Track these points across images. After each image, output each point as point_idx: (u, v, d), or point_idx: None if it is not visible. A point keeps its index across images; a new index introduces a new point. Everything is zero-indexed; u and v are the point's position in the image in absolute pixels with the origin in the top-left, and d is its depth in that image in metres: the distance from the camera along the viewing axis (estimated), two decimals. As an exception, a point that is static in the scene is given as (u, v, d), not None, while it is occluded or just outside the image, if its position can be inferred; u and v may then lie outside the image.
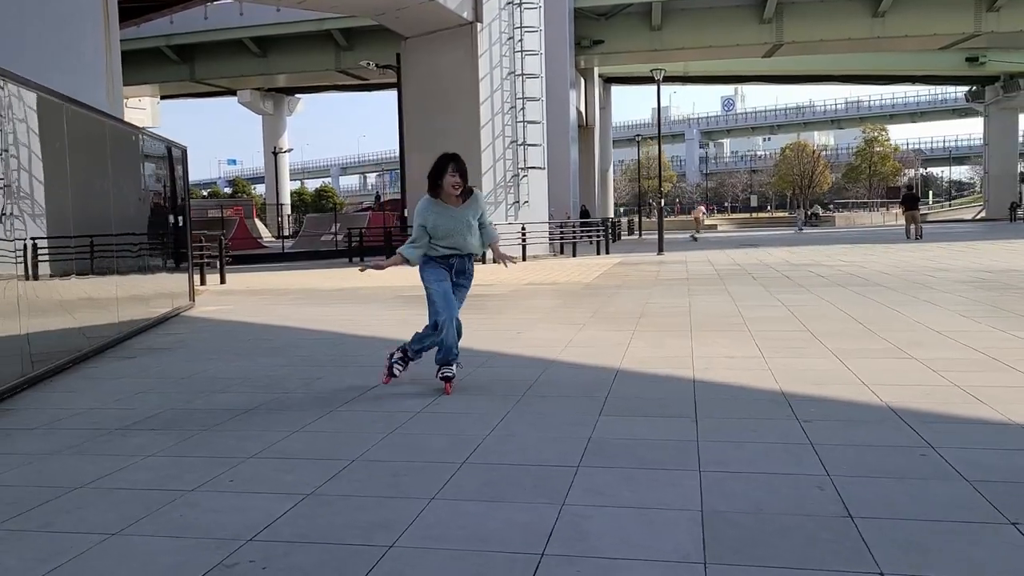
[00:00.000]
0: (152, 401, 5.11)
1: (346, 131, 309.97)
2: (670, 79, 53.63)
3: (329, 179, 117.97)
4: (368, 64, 24.88)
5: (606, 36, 38.58)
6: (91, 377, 6.05)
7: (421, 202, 5.20)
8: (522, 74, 21.59)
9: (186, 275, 11.21)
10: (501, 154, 21.51)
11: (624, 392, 4.96)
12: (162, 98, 45.75)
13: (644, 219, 49.66)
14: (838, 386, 4.90)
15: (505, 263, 5.46)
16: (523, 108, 21.72)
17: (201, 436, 4.19)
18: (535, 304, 10.33)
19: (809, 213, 62.07)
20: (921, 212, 27.75)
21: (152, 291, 9.53)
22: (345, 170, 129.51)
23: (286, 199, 52.02)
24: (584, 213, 36.33)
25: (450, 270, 5.20)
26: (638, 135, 54.21)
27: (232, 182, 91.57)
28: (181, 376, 5.95)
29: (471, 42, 20.80)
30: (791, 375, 5.25)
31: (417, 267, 5.24)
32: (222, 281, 15.00)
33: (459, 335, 5.16)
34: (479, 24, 20.79)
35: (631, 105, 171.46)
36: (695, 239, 33.69)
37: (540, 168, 22.39)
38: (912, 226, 26.59)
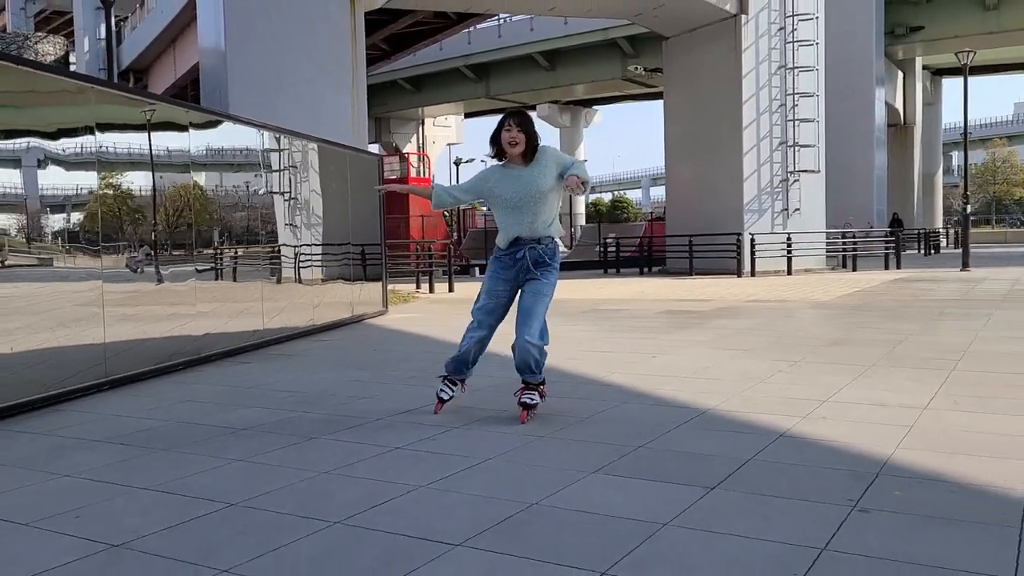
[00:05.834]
0: (176, 413, 4.94)
1: (655, 141, 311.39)
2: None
3: (639, 190, 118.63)
4: (636, 69, 24.11)
5: (926, 21, 33.68)
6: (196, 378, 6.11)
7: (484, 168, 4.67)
8: (794, 67, 19.42)
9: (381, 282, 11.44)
10: (767, 157, 19.53)
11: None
12: (465, 116, 48.91)
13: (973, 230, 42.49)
14: None
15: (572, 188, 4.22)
16: (795, 106, 19.53)
17: (157, 455, 3.85)
18: (723, 324, 8.88)
19: None
20: None
21: (342, 298, 9.92)
22: (655, 181, 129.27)
23: (580, 209, 52.86)
24: (896, 222, 32.08)
25: (516, 266, 4.42)
26: (965, 132, 46.38)
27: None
28: (250, 384, 5.79)
29: (734, 36, 19.16)
30: None
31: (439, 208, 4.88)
32: (450, 289, 15.21)
33: (481, 351, 4.56)
34: (744, 16, 19.07)
35: (987, 98, 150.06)
36: None
37: (814, 171, 19.94)
38: None
